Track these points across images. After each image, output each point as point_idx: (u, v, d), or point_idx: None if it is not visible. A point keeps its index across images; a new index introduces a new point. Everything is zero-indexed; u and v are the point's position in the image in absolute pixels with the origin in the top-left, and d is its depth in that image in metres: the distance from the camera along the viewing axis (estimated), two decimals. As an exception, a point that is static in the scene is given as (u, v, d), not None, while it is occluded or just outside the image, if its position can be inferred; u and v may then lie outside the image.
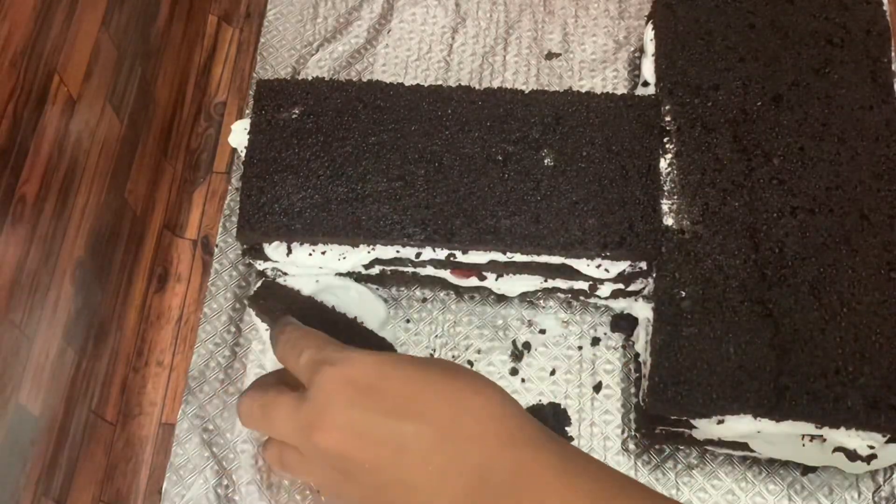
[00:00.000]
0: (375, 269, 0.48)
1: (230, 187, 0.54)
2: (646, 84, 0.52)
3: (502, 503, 0.31)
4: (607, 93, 0.48)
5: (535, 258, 0.45)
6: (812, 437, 0.42)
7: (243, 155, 0.46)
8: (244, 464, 0.46)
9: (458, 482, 0.32)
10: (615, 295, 0.47)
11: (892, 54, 0.49)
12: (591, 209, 0.44)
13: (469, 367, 0.40)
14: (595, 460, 0.34)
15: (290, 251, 0.46)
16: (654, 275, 0.44)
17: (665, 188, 0.45)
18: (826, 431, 0.41)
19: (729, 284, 0.43)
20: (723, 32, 0.49)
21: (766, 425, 0.41)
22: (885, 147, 0.46)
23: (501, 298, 0.50)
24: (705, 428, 0.42)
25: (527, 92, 0.48)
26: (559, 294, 0.49)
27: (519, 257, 0.45)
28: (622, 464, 0.46)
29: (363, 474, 0.33)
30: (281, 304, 0.46)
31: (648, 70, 0.51)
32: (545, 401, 0.47)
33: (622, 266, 0.45)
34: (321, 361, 0.34)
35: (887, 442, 0.41)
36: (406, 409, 0.33)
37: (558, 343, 0.49)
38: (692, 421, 0.42)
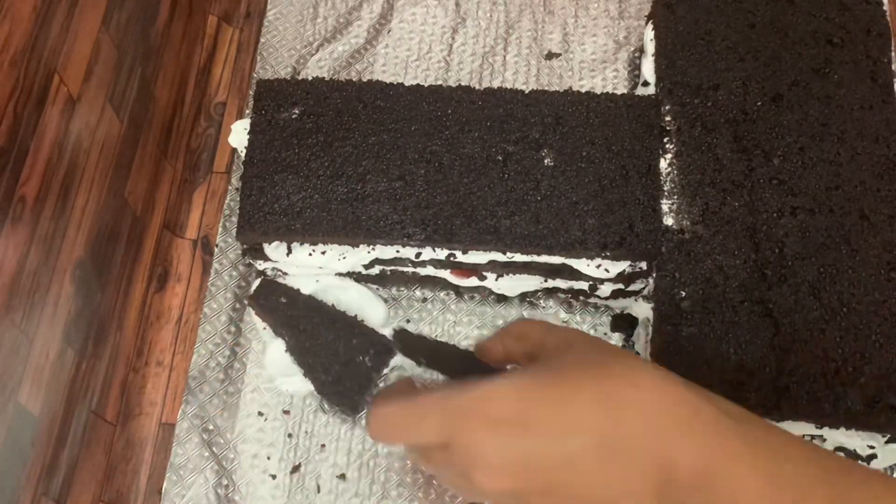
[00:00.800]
0: (375, 269, 0.48)
1: (230, 187, 0.54)
2: (646, 84, 0.52)
3: (699, 494, 0.29)
4: (607, 93, 0.48)
5: (535, 258, 0.45)
6: (812, 437, 0.42)
7: (243, 155, 0.46)
8: (244, 464, 0.46)
9: (640, 484, 0.29)
10: (615, 295, 0.47)
11: (892, 54, 0.49)
12: (591, 209, 0.44)
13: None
14: (782, 432, 0.30)
15: (290, 251, 0.46)
16: (654, 275, 0.44)
17: (665, 188, 0.45)
18: (826, 431, 0.41)
19: (729, 284, 0.43)
20: (723, 32, 0.49)
21: (766, 425, 0.41)
22: (885, 147, 0.46)
23: (501, 298, 0.50)
24: (705, 428, 0.42)
25: (527, 92, 0.47)
26: (559, 294, 0.49)
27: (519, 257, 0.45)
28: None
29: (538, 498, 0.31)
30: (281, 304, 0.46)
31: (648, 70, 0.51)
32: (545, 401, 0.47)
33: (622, 266, 0.45)
34: (455, 413, 0.31)
35: (887, 442, 0.41)
36: (563, 428, 0.30)
37: (558, 343, 0.49)
38: (692, 421, 0.42)
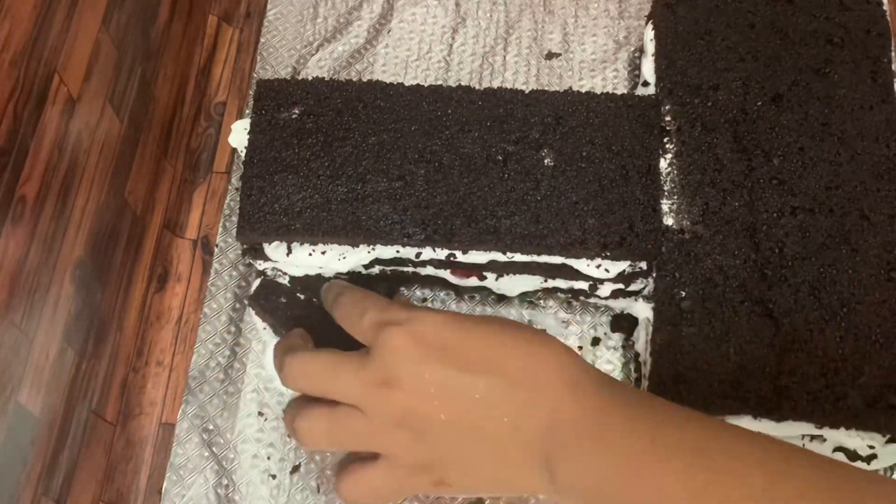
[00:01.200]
0: (375, 269, 0.48)
1: (230, 187, 0.54)
2: (646, 84, 0.52)
3: (570, 445, 0.32)
4: (607, 93, 0.48)
5: (535, 258, 0.45)
6: (812, 437, 0.42)
7: (243, 155, 0.47)
8: (244, 464, 0.46)
9: (530, 429, 0.33)
10: (615, 295, 0.47)
11: (892, 54, 0.49)
12: (591, 209, 0.44)
13: None
14: (661, 399, 0.34)
15: (290, 251, 0.46)
16: (654, 275, 0.44)
17: (665, 188, 0.45)
18: (826, 431, 0.41)
19: (729, 284, 0.43)
20: (723, 32, 0.49)
21: (766, 425, 0.41)
22: (885, 147, 0.46)
23: (501, 298, 0.50)
24: (705, 428, 0.42)
25: (527, 92, 0.47)
26: (559, 294, 0.49)
27: (519, 257, 0.45)
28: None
29: (438, 429, 0.33)
30: (281, 304, 0.46)
31: (648, 70, 0.51)
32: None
33: (622, 266, 0.45)
34: (387, 322, 0.35)
35: (887, 442, 0.41)
36: (478, 363, 0.34)
37: (558, 343, 0.49)
38: (692, 421, 0.42)
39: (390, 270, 0.48)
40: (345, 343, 0.45)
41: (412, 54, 0.58)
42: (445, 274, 0.47)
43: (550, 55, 0.58)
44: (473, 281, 0.48)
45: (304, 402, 0.37)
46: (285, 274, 0.48)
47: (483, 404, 0.33)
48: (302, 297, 0.47)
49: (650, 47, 0.51)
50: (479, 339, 0.34)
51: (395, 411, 0.34)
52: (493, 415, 0.33)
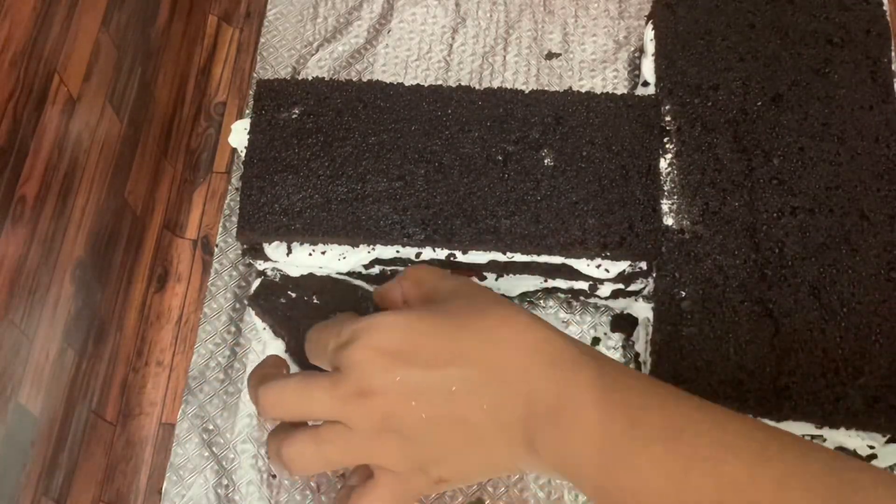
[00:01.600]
0: (375, 269, 0.48)
1: (230, 187, 0.54)
2: (646, 84, 0.52)
3: (550, 424, 0.32)
4: (607, 93, 0.48)
5: (535, 258, 0.45)
6: (812, 437, 0.42)
7: (243, 155, 0.47)
8: (244, 464, 0.46)
9: (510, 413, 0.33)
10: (615, 295, 0.47)
11: (892, 54, 0.49)
12: (591, 209, 0.44)
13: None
14: (635, 373, 0.34)
15: (290, 251, 0.46)
16: (654, 275, 0.44)
17: (665, 188, 0.45)
18: (826, 431, 0.41)
19: (729, 284, 0.43)
20: (723, 32, 0.49)
21: (766, 425, 0.41)
22: (885, 147, 0.46)
23: (501, 298, 0.50)
24: (705, 428, 0.42)
25: (527, 92, 0.48)
26: (559, 294, 0.49)
27: (519, 257, 0.45)
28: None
29: (421, 428, 0.33)
30: (280, 305, 0.46)
31: (648, 70, 0.51)
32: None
33: (622, 266, 0.45)
34: (345, 343, 0.34)
35: (887, 442, 0.41)
36: (446, 358, 0.33)
37: (558, 343, 0.49)
38: (692, 421, 0.42)
39: (390, 270, 0.48)
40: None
41: (412, 54, 0.58)
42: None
43: (550, 55, 0.58)
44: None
45: (285, 431, 0.36)
46: (280, 272, 0.48)
47: (460, 397, 0.33)
48: (294, 294, 0.47)
49: (650, 47, 0.51)
50: (441, 334, 0.34)
51: (377, 417, 0.33)
52: (471, 405, 0.33)
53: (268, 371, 0.39)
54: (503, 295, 0.49)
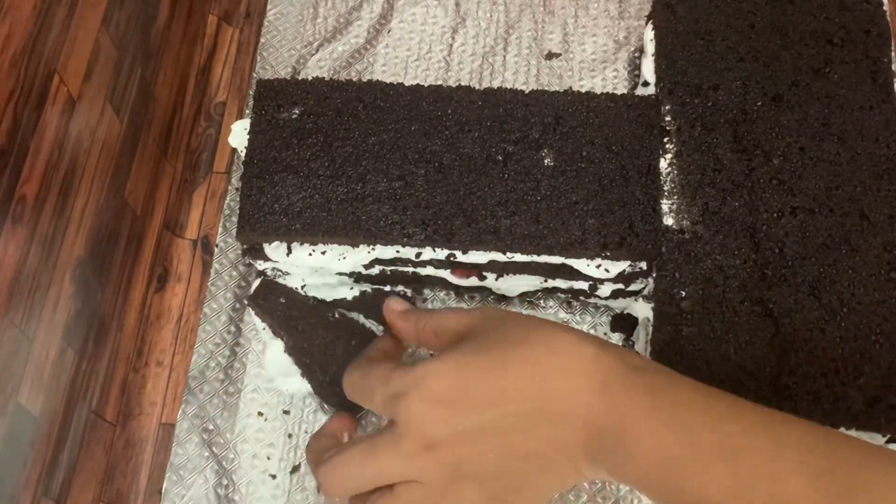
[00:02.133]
0: (375, 269, 0.48)
1: (230, 187, 0.54)
2: (646, 84, 0.52)
3: (609, 446, 0.33)
4: (607, 93, 0.48)
5: (535, 258, 0.45)
6: (812, 437, 0.42)
7: (243, 155, 0.47)
8: (244, 464, 0.46)
9: (570, 438, 0.33)
10: (615, 295, 0.47)
11: (892, 54, 0.49)
12: (591, 209, 0.44)
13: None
14: (685, 382, 0.34)
15: (290, 251, 0.46)
16: (654, 275, 0.44)
17: (665, 188, 0.45)
18: (826, 431, 0.41)
19: (729, 284, 0.43)
20: (723, 32, 0.49)
21: (766, 425, 0.41)
22: (885, 147, 0.46)
23: (501, 298, 0.50)
24: (705, 428, 0.42)
25: (527, 92, 0.47)
26: (559, 294, 0.49)
27: (519, 257, 0.45)
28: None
29: (492, 467, 0.34)
30: (280, 305, 0.46)
31: (648, 70, 0.51)
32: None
33: (622, 266, 0.45)
34: (395, 396, 0.34)
35: (887, 442, 0.41)
36: (499, 397, 0.33)
37: (558, 343, 0.49)
38: (692, 421, 0.42)
39: (390, 270, 0.48)
40: (344, 345, 0.45)
41: (412, 54, 0.58)
42: (445, 274, 0.47)
43: (550, 55, 0.58)
44: (473, 281, 0.48)
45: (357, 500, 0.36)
46: (286, 274, 0.48)
47: (520, 432, 0.33)
48: (294, 294, 0.47)
49: (650, 47, 0.51)
50: (489, 375, 0.34)
51: (447, 469, 0.34)
52: (532, 438, 0.33)
53: (322, 444, 0.39)
54: (503, 295, 0.49)
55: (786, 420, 0.32)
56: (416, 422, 0.34)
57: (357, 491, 0.36)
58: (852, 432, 0.40)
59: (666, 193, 0.45)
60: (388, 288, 0.48)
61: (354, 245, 0.45)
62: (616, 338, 0.49)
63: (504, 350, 0.34)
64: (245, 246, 0.47)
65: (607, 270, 0.45)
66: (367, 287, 0.48)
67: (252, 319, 0.49)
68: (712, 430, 0.31)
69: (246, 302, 0.50)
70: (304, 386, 0.46)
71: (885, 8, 0.50)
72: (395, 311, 0.42)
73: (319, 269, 0.47)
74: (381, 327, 0.47)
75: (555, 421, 0.33)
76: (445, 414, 0.33)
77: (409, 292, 0.49)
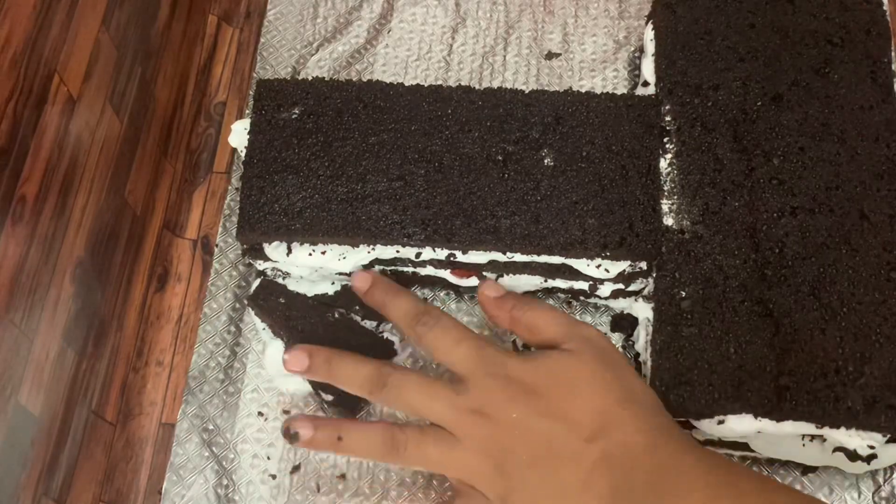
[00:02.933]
0: (375, 269, 0.48)
1: (230, 187, 0.54)
2: (646, 84, 0.52)
3: (648, 500, 0.34)
4: (607, 93, 0.48)
5: (535, 258, 0.45)
6: (812, 437, 0.42)
7: (243, 155, 0.47)
8: (244, 464, 0.46)
9: (603, 483, 0.34)
10: (615, 295, 0.47)
11: (892, 54, 0.49)
12: (591, 209, 0.44)
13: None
14: (736, 464, 0.37)
15: (290, 251, 0.46)
16: (654, 275, 0.44)
17: (665, 188, 0.45)
18: (826, 431, 0.41)
19: (729, 284, 0.43)
20: (723, 32, 0.49)
21: (767, 425, 0.41)
22: (885, 147, 0.46)
23: (501, 298, 0.50)
24: (705, 428, 0.42)
25: (527, 92, 0.47)
26: (559, 294, 0.49)
27: (519, 257, 0.45)
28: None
29: (516, 464, 0.35)
30: (280, 305, 0.46)
31: (648, 70, 0.51)
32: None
33: (622, 266, 0.45)
34: (484, 359, 0.37)
35: (887, 442, 0.41)
36: (558, 412, 0.35)
37: (558, 343, 0.49)
38: (692, 421, 0.42)
39: (390, 270, 0.48)
40: (344, 345, 0.45)
41: (412, 54, 0.58)
42: (445, 274, 0.47)
43: (550, 55, 0.58)
44: (473, 281, 0.48)
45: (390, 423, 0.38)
46: (286, 274, 0.48)
47: (558, 450, 0.35)
48: (293, 294, 0.47)
49: (650, 47, 0.51)
50: (563, 389, 0.36)
51: (485, 441, 0.36)
52: (567, 465, 0.35)
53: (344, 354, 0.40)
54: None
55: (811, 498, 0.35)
56: (486, 389, 0.36)
57: (402, 409, 0.40)
58: (852, 432, 0.40)
59: (666, 193, 0.45)
60: None
61: (354, 245, 0.45)
62: (616, 338, 0.49)
63: (587, 383, 0.36)
64: (245, 246, 0.47)
65: (607, 270, 0.45)
66: (348, 282, 0.48)
67: (252, 319, 0.49)
68: (757, 496, 0.33)
69: (246, 302, 0.50)
70: (304, 386, 0.46)
71: (885, 8, 0.50)
72: (490, 297, 0.42)
73: (319, 269, 0.47)
74: (376, 325, 0.47)
75: (595, 458, 0.34)
76: (511, 396, 0.36)
77: None
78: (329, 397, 0.45)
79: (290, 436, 0.38)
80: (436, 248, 0.45)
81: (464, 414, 0.36)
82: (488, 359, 0.37)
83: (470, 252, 0.45)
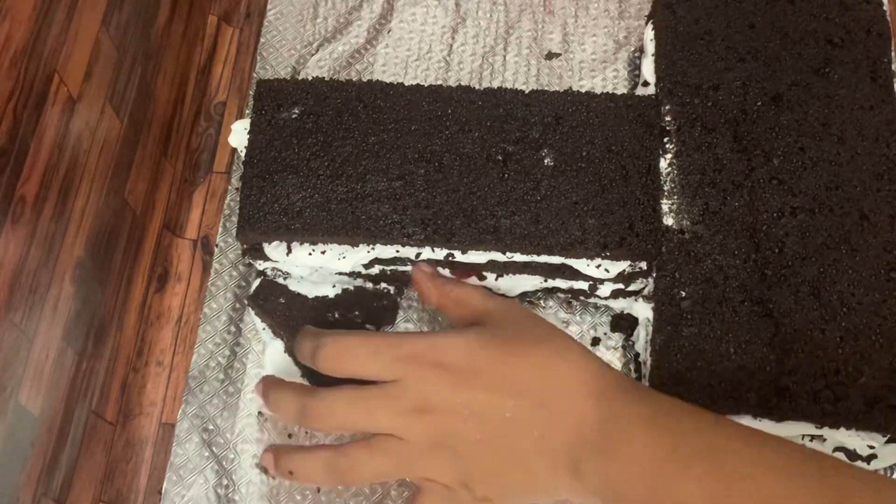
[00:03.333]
0: (375, 269, 0.48)
1: (230, 187, 0.54)
2: (646, 84, 0.52)
3: (597, 451, 0.34)
4: (607, 93, 0.48)
5: (535, 258, 0.45)
6: (812, 437, 0.42)
7: (243, 155, 0.47)
8: (244, 464, 0.46)
9: (558, 443, 0.35)
10: (615, 295, 0.47)
11: (892, 54, 0.49)
12: (591, 209, 0.44)
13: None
14: (677, 401, 0.35)
15: (290, 251, 0.46)
16: (654, 275, 0.44)
17: (665, 188, 0.45)
18: (826, 431, 0.41)
19: (729, 284, 0.43)
20: (723, 32, 0.49)
21: (766, 425, 0.41)
22: (885, 147, 0.46)
23: (501, 298, 0.50)
24: (705, 428, 0.42)
25: (527, 92, 0.48)
26: (559, 294, 0.49)
27: (519, 257, 0.45)
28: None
29: (473, 448, 0.35)
30: (280, 305, 0.46)
31: (648, 70, 0.51)
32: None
33: (622, 266, 0.45)
34: (406, 356, 0.36)
35: (887, 442, 0.41)
36: (504, 385, 0.35)
37: (558, 343, 0.49)
38: (692, 421, 0.42)
39: (390, 270, 0.48)
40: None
41: (412, 54, 0.58)
42: (445, 273, 0.47)
43: (550, 55, 0.58)
44: (473, 281, 0.48)
45: (305, 449, 0.38)
46: (286, 274, 0.48)
47: (513, 423, 0.35)
48: (294, 294, 0.47)
49: (650, 47, 0.51)
50: (501, 361, 0.36)
51: (433, 434, 0.35)
52: (522, 432, 0.35)
53: (279, 382, 0.40)
54: (503, 295, 0.49)
55: (766, 434, 0.34)
56: (423, 383, 0.35)
57: (340, 430, 0.39)
58: (852, 432, 0.40)
59: (666, 193, 0.45)
60: (370, 286, 0.48)
61: (354, 245, 0.45)
62: (616, 338, 0.49)
63: (521, 344, 0.36)
64: (245, 246, 0.47)
65: (607, 270, 0.45)
66: (350, 285, 0.48)
67: (252, 319, 0.49)
68: (697, 436, 0.33)
69: (246, 302, 0.50)
70: (304, 386, 0.46)
71: (885, 8, 0.50)
72: (425, 272, 0.43)
73: (319, 268, 0.47)
74: (377, 328, 0.47)
75: (549, 420, 0.35)
76: (451, 382, 0.35)
77: (391, 290, 0.49)
78: None
79: (263, 469, 0.38)
80: (435, 248, 0.45)
81: (407, 415, 0.35)
82: (414, 354, 0.36)
83: (469, 252, 0.45)
